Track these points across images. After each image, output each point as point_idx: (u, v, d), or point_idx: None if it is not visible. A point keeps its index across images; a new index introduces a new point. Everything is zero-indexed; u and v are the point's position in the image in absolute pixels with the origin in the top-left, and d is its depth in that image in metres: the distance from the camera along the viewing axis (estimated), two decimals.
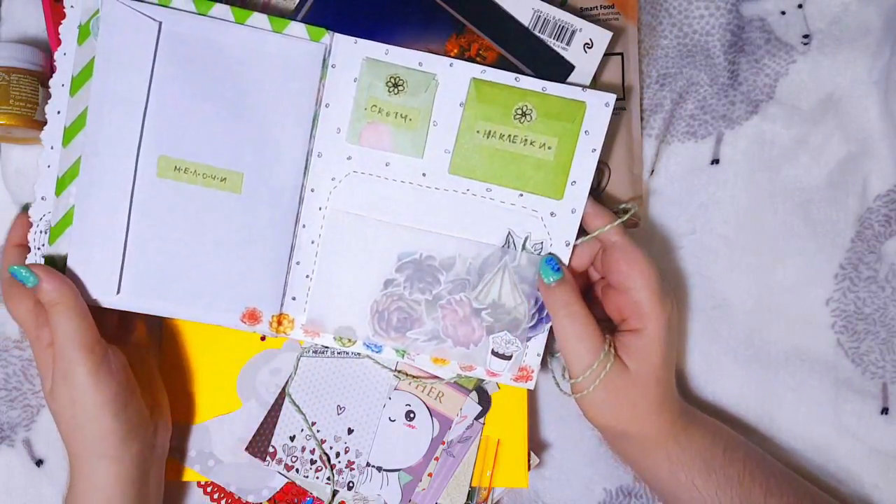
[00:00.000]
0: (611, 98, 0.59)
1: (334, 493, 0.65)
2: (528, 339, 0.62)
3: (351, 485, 0.64)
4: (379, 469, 0.64)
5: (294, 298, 0.62)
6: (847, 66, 0.67)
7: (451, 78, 0.60)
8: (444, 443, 0.64)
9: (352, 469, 0.64)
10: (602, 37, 0.61)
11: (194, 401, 0.66)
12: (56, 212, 0.60)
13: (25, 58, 0.62)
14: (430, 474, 0.64)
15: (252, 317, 0.62)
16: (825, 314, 0.67)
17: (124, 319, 0.64)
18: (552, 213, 0.61)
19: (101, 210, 0.60)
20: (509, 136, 0.60)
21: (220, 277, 0.61)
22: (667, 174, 0.68)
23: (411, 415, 0.64)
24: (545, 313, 0.61)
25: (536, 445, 0.67)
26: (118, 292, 0.60)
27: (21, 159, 0.67)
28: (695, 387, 0.68)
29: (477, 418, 0.65)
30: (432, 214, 0.61)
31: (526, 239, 0.61)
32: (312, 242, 0.62)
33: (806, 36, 0.67)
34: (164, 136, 0.60)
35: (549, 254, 0.60)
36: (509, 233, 0.61)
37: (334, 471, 0.64)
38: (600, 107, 0.59)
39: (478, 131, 0.60)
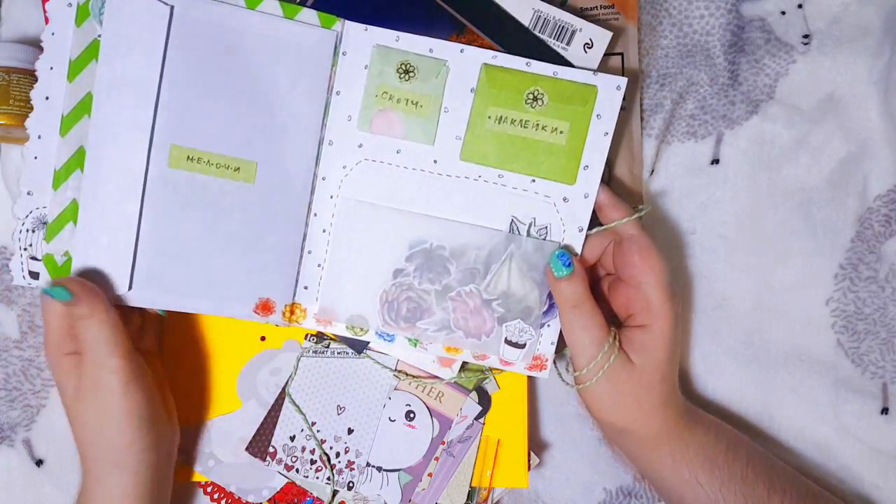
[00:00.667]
0: (622, 81, 0.59)
1: (334, 493, 0.65)
2: (542, 326, 0.61)
3: (351, 485, 0.64)
4: (379, 469, 0.64)
5: (306, 287, 0.62)
6: (847, 66, 0.67)
7: (461, 64, 0.60)
8: (444, 443, 0.64)
9: (352, 469, 0.64)
10: (602, 37, 0.61)
11: (195, 401, 0.66)
12: (53, 207, 0.58)
13: (25, 58, 0.62)
14: (430, 474, 0.64)
15: (265, 307, 0.62)
16: (825, 314, 0.67)
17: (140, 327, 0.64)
18: (565, 199, 0.60)
19: (110, 203, 0.58)
20: (521, 121, 0.60)
21: (233, 269, 0.61)
22: (667, 174, 0.68)
23: (411, 415, 0.64)
24: None
25: (536, 445, 0.67)
26: (130, 288, 0.59)
27: (21, 159, 0.66)
28: (695, 387, 0.68)
29: (477, 418, 0.65)
30: (443, 202, 0.61)
31: (530, 225, 0.61)
32: (324, 231, 0.62)
33: (806, 36, 0.67)
34: (175, 125, 0.59)
35: (563, 247, 0.60)
36: (513, 219, 0.61)
37: (334, 471, 0.64)
38: (612, 90, 0.59)
39: (489, 117, 0.60)
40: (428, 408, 0.65)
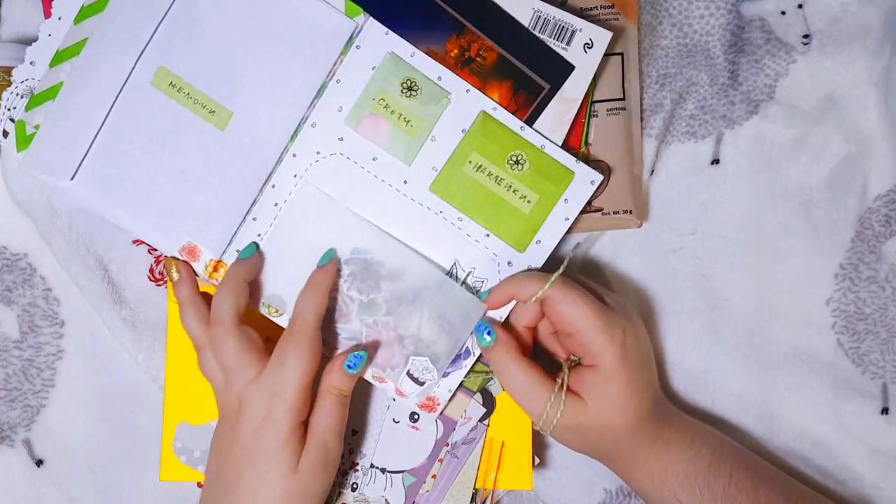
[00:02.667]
0: (597, 178, 0.61)
1: (338, 494, 0.65)
2: (446, 374, 0.62)
3: (355, 486, 0.64)
4: (383, 471, 0.64)
5: (238, 251, 0.62)
6: (847, 66, 0.67)
7: (462, 102, 0.61)
8: (448, 444, 0.64)
9: (356, 470, 0.64)
10: (602, 37, 0.61)
11: (199, 401, 0.66)
12: (44, 82, 0.59)
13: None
14: (433, 476, 0.64)
15: (191, 253, 0.62)
16: (825, 314, 0.67)
17: None
18: (509, 263, 0.62)
19: (87, 96, 0.59)
20: (497, 177, 0.61)
21: (174, 203, 0.61)
22: (667, 174, 0.68)
23: (415, 416, 0.64)
24: (464, 349, 0.62)
25: (537, 445, 0.67)
26: (73, 178, 0.60)
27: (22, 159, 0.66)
28: (694, 387, 0.68)
29: (481, 420, 0.65)
30: (399, 222, 0.62)
31: (469, 274, 0.62)
32: (276, 205, 0.62)
33: (806, 36, 0.67)
34: (171, 48, 0.60)
35: (481, 320, 0.60)
36: (455, 263, 0.62)
37: (338, 472, 0.64)
38: (586, 182, 0.61)
39: (470, 161, 0.61)
40: None
